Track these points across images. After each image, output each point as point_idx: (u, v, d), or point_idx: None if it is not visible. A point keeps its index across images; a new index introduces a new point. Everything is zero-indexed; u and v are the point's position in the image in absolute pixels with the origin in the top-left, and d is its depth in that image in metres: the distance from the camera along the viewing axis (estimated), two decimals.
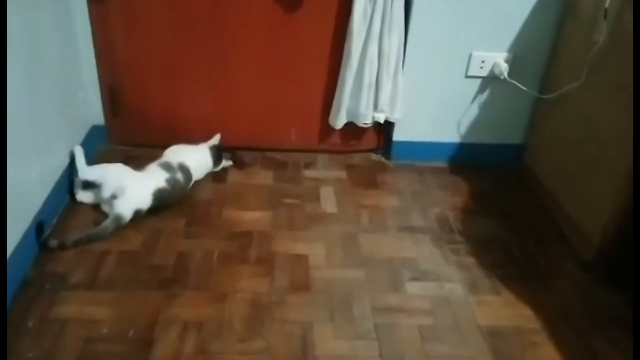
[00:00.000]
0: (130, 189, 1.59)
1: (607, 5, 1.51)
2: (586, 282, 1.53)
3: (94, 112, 1.91)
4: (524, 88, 1.87)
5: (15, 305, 1.31)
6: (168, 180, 1.65)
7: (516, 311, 1.42)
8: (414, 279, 1.50)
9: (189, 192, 1.74)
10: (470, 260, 1.58)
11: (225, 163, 1.90)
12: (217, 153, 1.85)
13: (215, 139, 1.87)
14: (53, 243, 1.47)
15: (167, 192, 1.64)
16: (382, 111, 1.92)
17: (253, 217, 1.69)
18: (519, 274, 1.55)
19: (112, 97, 1.91)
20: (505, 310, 1.42)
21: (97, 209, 1.63)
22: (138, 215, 1.60)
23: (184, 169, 1.70)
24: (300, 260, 1.53)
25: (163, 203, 1.64)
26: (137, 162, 1.74)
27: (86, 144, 1.80)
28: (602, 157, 1.55)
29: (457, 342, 1.32)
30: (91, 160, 1.77)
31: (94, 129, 1.91)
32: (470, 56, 1.87)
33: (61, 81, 1.68)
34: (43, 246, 1.46)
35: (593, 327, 1.38)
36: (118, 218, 1.56)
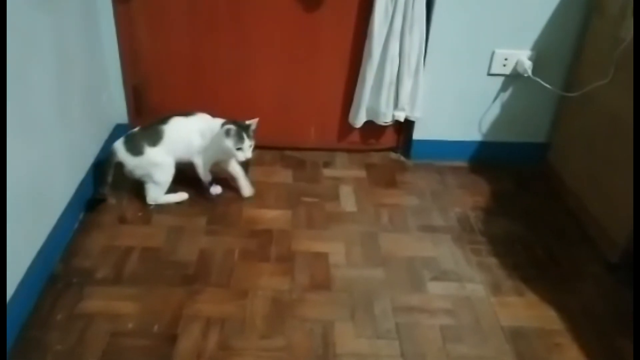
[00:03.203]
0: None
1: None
2: (611, 284, 1.51)
3: (118, 111, 1.94)
4: (548, 86, 1.84)
5: (44, 299, 1.34)
6: None
7: (540, 312, 1.40)
8: (435, 278, 1.49)
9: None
10: (492, 261, 1.56)
11: (252, 121, 1.69)
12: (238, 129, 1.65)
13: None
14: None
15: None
16: (403, 109, 1.91)
17: (273, 216, 1.70)
18: (542, 275, 1.53)
19: (136, 96, 1.94)
20: (528, 311, 1.41)
21: (119, 206, 1.67)
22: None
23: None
24: (320, 258, 1.53)
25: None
26: None
27: (111, 142, 1.83)
28: (629, 157, 1.52)
29: (479, 343, 1.31)
30: None
31: (118, 127, 1.94)
32: (493, 54, 1.85)
33: (87, 81, 1.71)
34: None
35: (618, 328, 1.36)
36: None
